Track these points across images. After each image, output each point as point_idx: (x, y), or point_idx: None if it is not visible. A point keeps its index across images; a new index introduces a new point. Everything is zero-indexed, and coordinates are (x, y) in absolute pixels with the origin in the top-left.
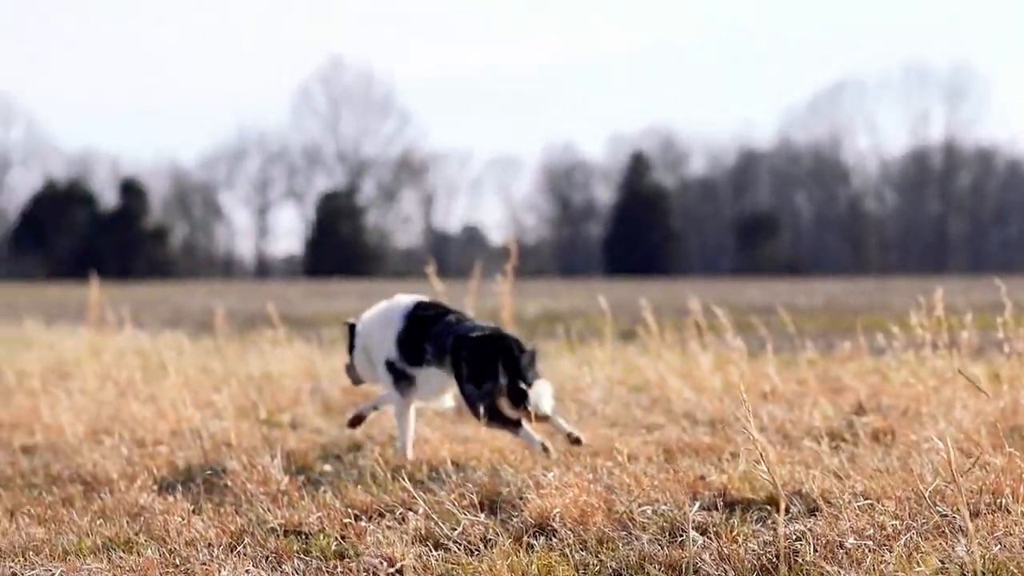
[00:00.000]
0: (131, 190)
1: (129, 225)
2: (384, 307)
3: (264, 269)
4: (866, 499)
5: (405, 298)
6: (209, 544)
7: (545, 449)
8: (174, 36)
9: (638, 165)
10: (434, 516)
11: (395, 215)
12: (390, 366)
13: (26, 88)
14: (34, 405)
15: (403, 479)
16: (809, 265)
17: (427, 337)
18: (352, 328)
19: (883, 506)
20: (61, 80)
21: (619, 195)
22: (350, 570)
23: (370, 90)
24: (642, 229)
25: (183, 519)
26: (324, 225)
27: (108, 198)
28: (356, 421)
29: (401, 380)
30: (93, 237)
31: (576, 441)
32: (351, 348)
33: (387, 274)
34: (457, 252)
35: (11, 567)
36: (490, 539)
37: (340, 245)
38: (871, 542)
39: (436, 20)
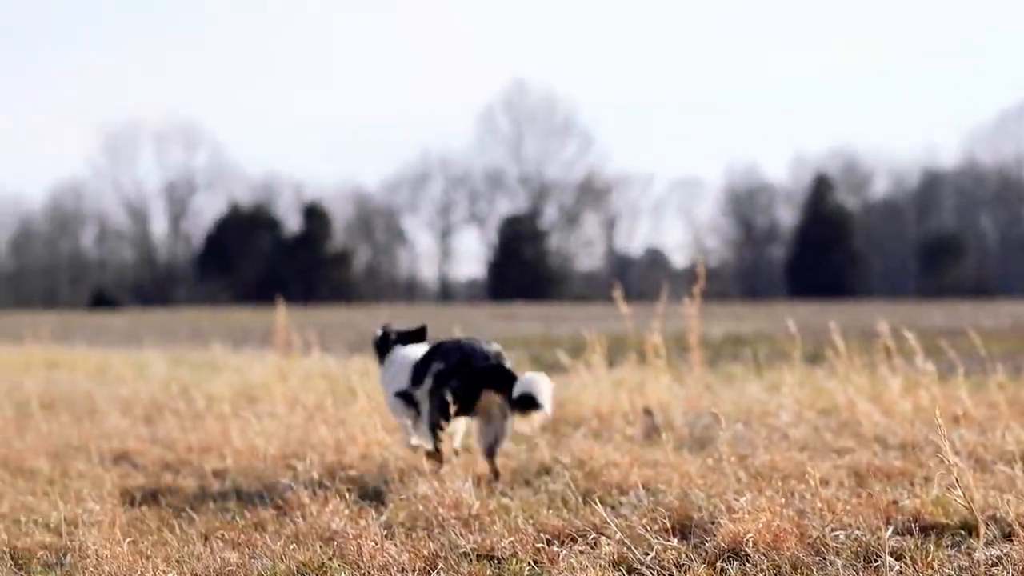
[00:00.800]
0: (315, 214)
1: (313, 249)
2: None
3: (447, 293)
4: None
5: None
6: (403, 569)
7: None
8: (357, 61)
9: (821, 187)
10: (626, 541)
11: (577, 238)
12: None
13: (211, 113)
14: (224, 429)
15: (595, 503)
16: (995, 287)
17: None
18: None
19: None
20: (246, 105)
21: (802, 217)
22: None
23: (553, 113)
24: (825, 251)
25: (376, 544)
26: (507, 248)
27: (292, 222)
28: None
29: None
30: (277, 261)
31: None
32: None
33: (569, 297)
34: (639, 275)
35: None
36: (683, 564)
37: (522, 268)
38: None
39: (618, 43)
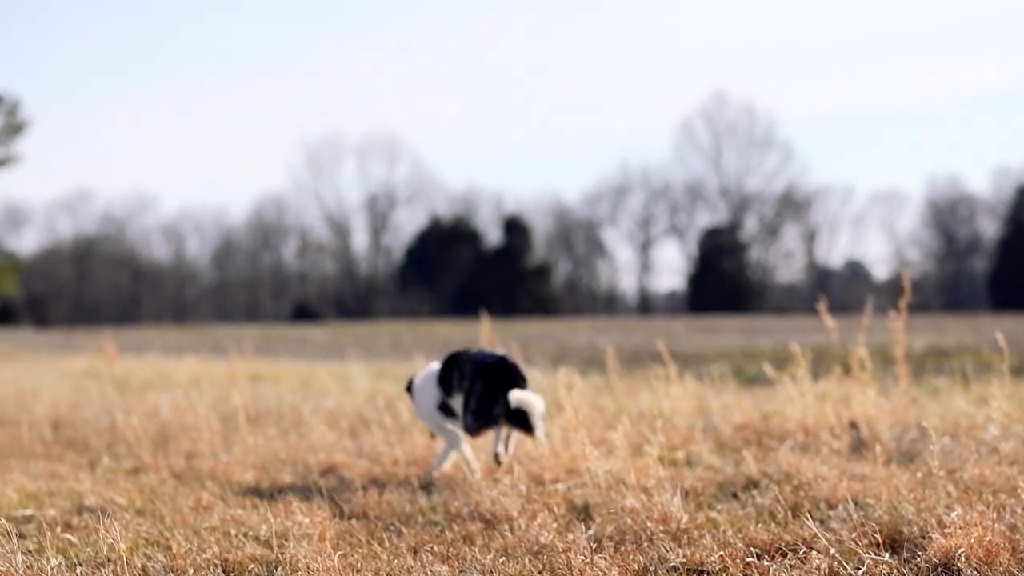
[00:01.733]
0: (515, 227)
1: (513, 262)
2: None
3: (647, 305)
4: None
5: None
6: None
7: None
8: (556, 75)
9: None
10: (837, 555)
11: (777, 250)
12: None
13: (412, 127)
14: (429, 443)
15: (804, 517)
16: None
17: None
18: None
19: None
20: (445, 119)
21: (1005, 229)
22: None
23: (753, 125)
24: None
25: (585, 558)
26: (707, 261)
27: (492, 235)
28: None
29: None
30: (477, 274)
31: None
32: None
33: (769, 310)
34: (839, 287)
35: None
36: None
37: (722, 281)
38: None
39: (818, 54)
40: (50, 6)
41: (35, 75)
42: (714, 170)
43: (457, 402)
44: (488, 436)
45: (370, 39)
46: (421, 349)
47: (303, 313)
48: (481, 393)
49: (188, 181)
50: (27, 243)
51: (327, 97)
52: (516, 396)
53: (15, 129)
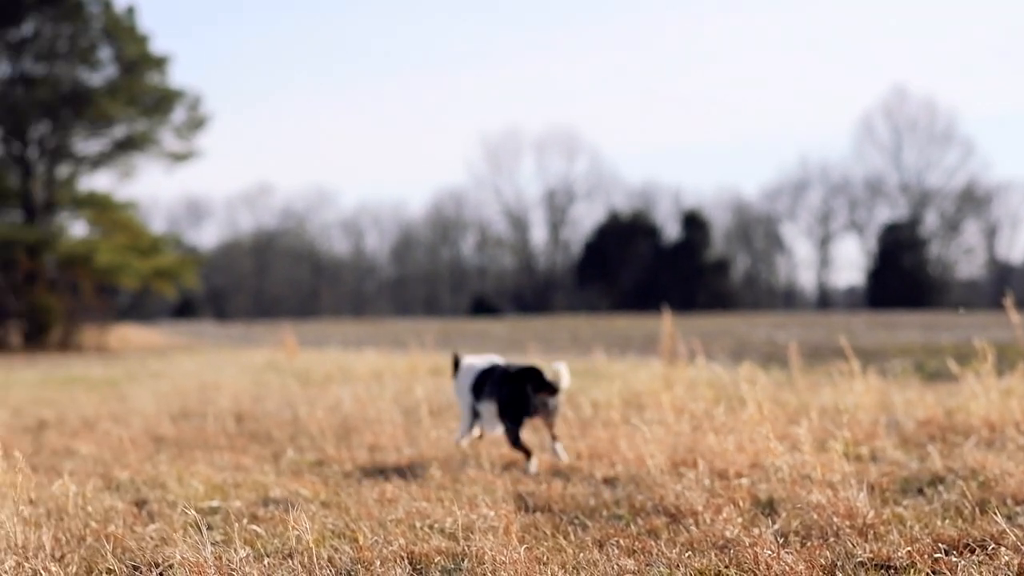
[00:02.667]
0: (693, 222)
1: (691, 257)
2: None
3: (825, 300)
4: None
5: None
6: None
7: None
8: (737, 70)
9: None
10: None
11: (957, 246)
12: None
13: (590, 121)
14: (612, 436)
15: (992, 513)
16: None
17: None
18: None
19: None
20: (623, 113)
21: None
22: None
23: (933, 120)
24: None
25: (772, 552)
26: (886, 256)
27: (670, 230)
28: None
29: None
30: (655, 269)
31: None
32: None
33: (949, 305)
34: (1021, 283)
35: None
36: None
37: (902, 276)
38: None
39: (998, 50)
40: (232, 3)
41: (217, 69)
42: (894, 165)
43: (485, 407)
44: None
45: (549, 34)
46: (600, 343)
47: (481, 307)
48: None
49: (368, 175)
50: (208, 237)
51: (506, 92)
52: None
53: (197, 124)
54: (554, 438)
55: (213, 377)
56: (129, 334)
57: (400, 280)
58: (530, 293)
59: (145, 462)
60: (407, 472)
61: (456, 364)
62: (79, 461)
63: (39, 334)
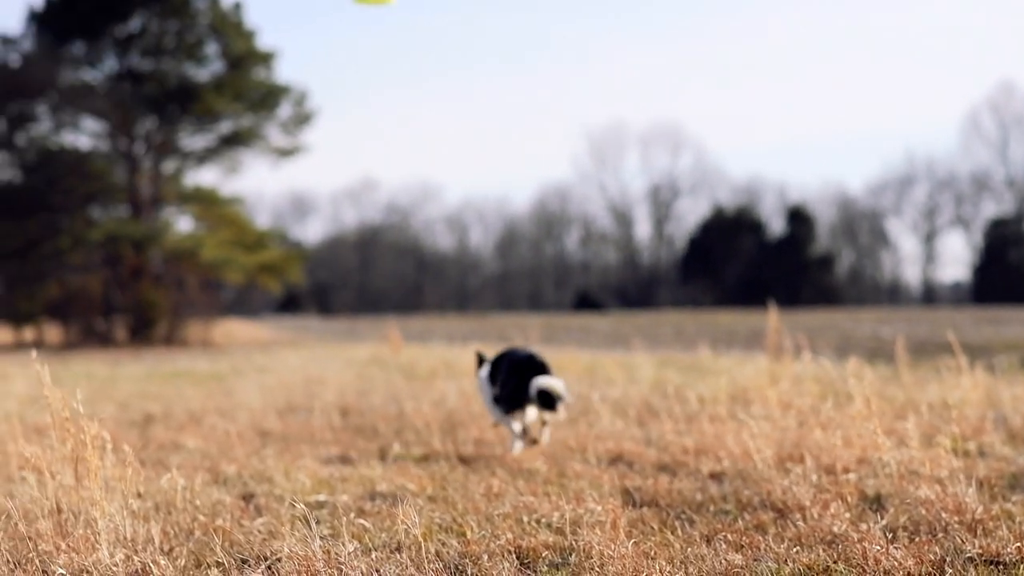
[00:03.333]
0: (798, 217)
1: (795, 252)
2: None
3: (931, 296)
4: None
5: None
6: (908, 574)
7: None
8: (833, 65)
9: None
10: None
11: None
12: None
13: (696, 117)
14: (718, 432)
15: None
16: None
17: None
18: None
19: None
20: (728, 108)
21: None
22: None
23: None
24: None
25: (881, 548)
26: (992, 252)
27: (775, 225)
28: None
29: None
30: (759, 264)
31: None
32: None
33: None
34: None
35: None
36: None
37: (1008, 272)
38: None
39: None
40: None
41: (323, 64)
42: (1000, 160)
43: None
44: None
45: (654, 29)
46: (705, 338)
47: (585, 302)
48: (512, 384)
49: (472, 170)
50: (313, 232)
51: (611, 87)
52: (540, 381)
53: (303, 119)
54: (544, 423)
55: (318, 371)
56: (234, 329)
57: (504, 275)
58: (634, 288)
59: (251, 456)
60: (513, 466)
61: (480, 361)
62: (186, 455)
63: (145, 329)
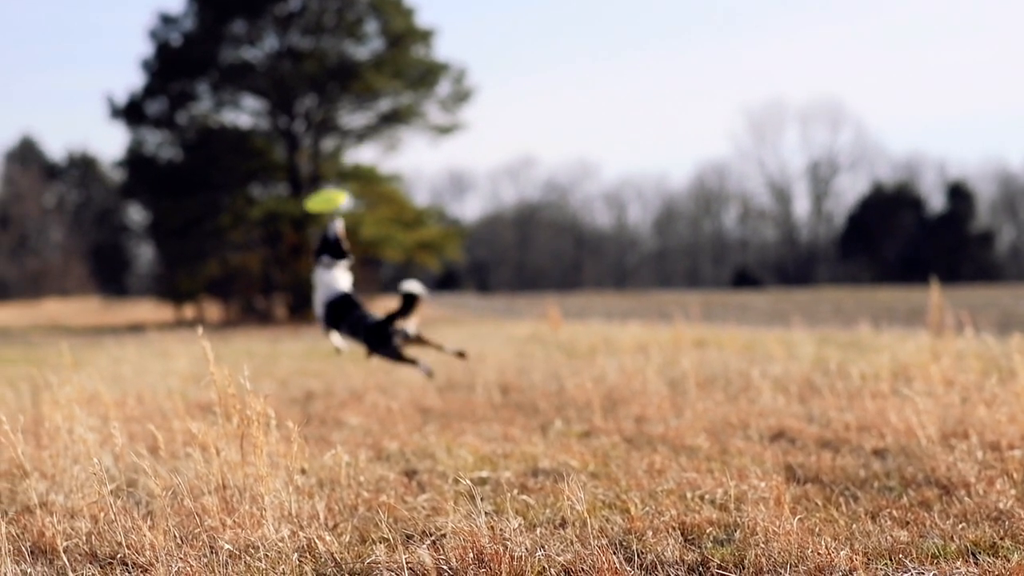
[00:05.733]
0: (958, 193)
1: (956, 229)
2: None
3: None
4: None
5: None
6: None
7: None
8: (992, 37)
9: None
10: None
11: None
12: None
13: (855, 92)
14: (880, 408)
15: None
16: None
17: None
18: None
19: None
20: (889, 84)
21: None
22: None
23: None
24: None
25: None
26: None
27: (935, 202)
28: None
29: None
30: (919, 241)
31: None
32: None
33: None
34: None
35: (881, 569)
36: None
37: None
38: None
39: None
40: None
41: (481, 42)
42: None
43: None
44: None
45: (813, 2)
46: (864, 315)
47: (743, 279)
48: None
49: (630, 148)
50: (471, 209)
51: (770, 62)
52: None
53: (462, 96)
54: None
55: (477, 348)
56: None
57: (662, 252)
58: (792, 265)
59: (413, 433)
60: (674, 443)
61: None
62: (348, 432)
63: (303, 307)
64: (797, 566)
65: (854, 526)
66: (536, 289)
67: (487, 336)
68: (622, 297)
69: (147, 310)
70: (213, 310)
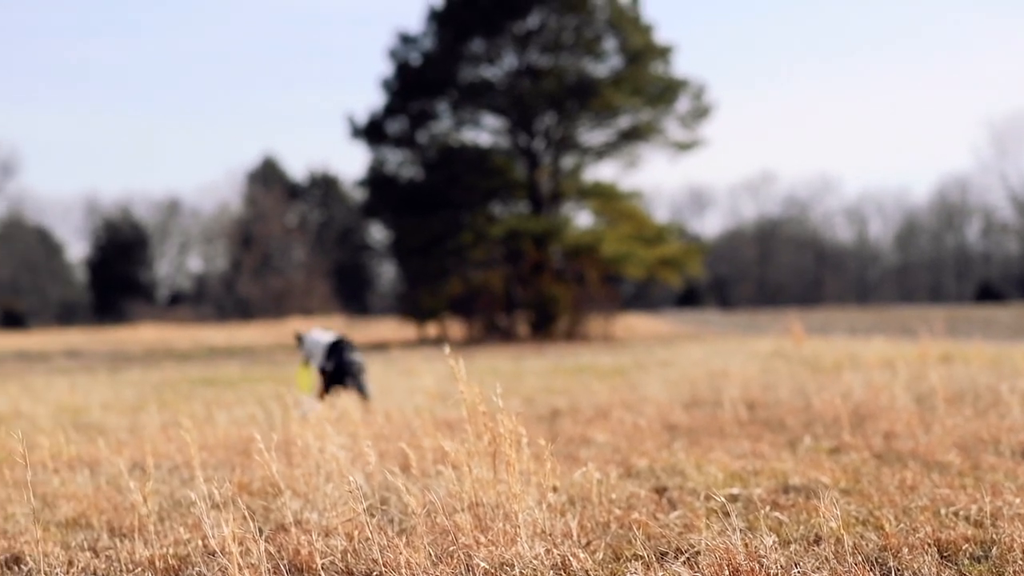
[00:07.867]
0: None
1: None
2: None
3: None
4: None
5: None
6: None
7: None
8: None
9: None
10: None
11: None
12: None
13: None
14: None
15: None
16: None
17: None
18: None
19: None
20: None
21: None
22: None
23: None
24: None
25: None
26: None
27: None
28: None
29: None
30: None
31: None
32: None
33: None
34: None
35: None
36: None
37: None
38: None
39: None
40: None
41: (720, 58)
42: None
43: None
44: None
45: None
46: None
47: (987, 294)
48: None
49: (871, 161)
50: (711, 225)
51: (1014, 73)
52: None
53: (701, 113)
54: None
55: (721, 365)
56: (634, 323)
57: (904, 267)
58: None
59: (661, 449)
60: (925, 459)
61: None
62: (596, 449)
63: (546, 324)
64: None
65: None
66: (777, 305)
67: (730, 352)
68: (864, 312)
69: (390, 328)
70: (455, 328)
